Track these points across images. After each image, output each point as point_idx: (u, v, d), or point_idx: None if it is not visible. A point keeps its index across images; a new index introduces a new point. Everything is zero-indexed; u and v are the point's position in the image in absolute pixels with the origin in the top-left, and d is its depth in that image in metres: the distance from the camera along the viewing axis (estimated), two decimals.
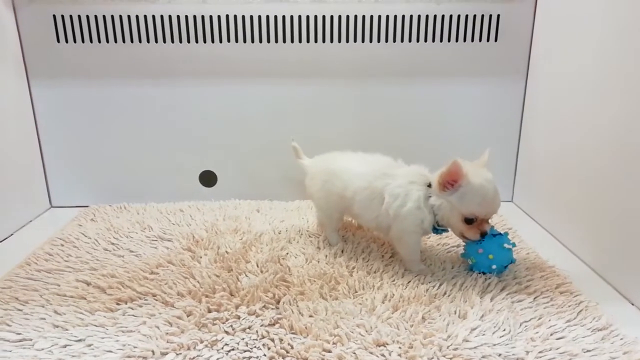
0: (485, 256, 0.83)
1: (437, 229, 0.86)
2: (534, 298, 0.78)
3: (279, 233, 1.04)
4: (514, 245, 0.85)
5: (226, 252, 0.94)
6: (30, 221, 1.14)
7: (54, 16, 1.09)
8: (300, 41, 1.14)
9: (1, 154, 1.04)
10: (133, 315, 0.74)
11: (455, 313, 0.74)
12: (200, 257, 0.92)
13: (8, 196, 1.06)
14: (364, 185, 0.88)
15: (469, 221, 0.81)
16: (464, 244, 0.88)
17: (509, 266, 0.85)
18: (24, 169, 1.14)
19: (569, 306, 0.76)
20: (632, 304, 0.79)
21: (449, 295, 0.79)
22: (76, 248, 0.97)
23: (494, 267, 0.83)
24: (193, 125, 1.20)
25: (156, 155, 1.22)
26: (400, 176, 0.86)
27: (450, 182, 0.80)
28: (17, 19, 1.09)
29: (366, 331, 0.69)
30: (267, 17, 1.11)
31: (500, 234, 0.85)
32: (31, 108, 1.15)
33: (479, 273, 0.85)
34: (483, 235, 0.82)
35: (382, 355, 0.65)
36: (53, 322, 0.72)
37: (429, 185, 0.84)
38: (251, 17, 1.11)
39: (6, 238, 1.05)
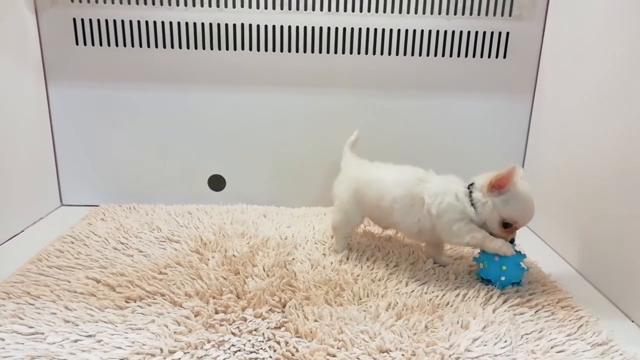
0: (499, 266, 0.85)
1: None
2: (536, 311, 0.80)
3: (285, 239, 1.06)
4: (527, 269, 0.86)
5: (233, 255, 0.96)
6: (41, 218, 1.16)
7: (74, 19, 1.12)
8: (312, 51, 1.16)
9: (16, 151, 1.07)
10: (142, 314, 0.76)
11: (457, 323, 0.75)
12: (208, 260, 0.94)
13: (21, 193, 1.08)
14: (403, 193, 0.91)
15: (505, 225, 0.85)
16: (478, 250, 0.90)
17: (514, 285, 0.87)
18: (37, 167, 1.16)
19: (570, 320, 0.77)
20: (632, 321, 0.80)
21: (451, 306, 0.81)
22: (86, 246, 0.99)
23: (503, 278, 0.85)
24: (204, 130, 1.22)
25: (166, 158, 1.24)
26: (436, 180, 0.91)
27: (500, 185, 0.84)
28: (38, 22, 1.12)
29: (370, 337, 0.71)
30: (282, 27, 1.14)
31: (519, 252, 0.86)
32: (47, 108, 1.18)
33: (482, 284, 0.86)
34: (512, 241, 0.87)
35: None
36: (64, 317, 0.74)
37: (469, 186, 0.88)
38: (265, 26, 1.14)
39: (18, 234, 1.07)
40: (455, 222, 0.87)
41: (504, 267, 0.84)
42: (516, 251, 0.86)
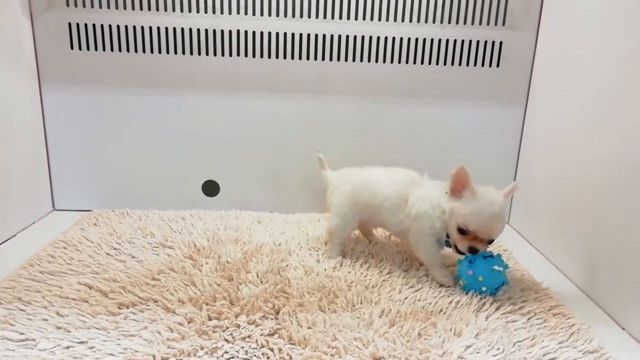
0: (475, 278, 0.85)
1: (448, 240, 0.89)
2: (528, 319, 0.80)
3: (279, 245, 1.06)
4: (506, 267, 0.86)
5: (227, 261, 0.96)
6: (33, 223, 1.15)
7: (69, 24, 1.12)
8: (307, 58, 1.17)
9: (9, 155, 1.06)
10: (134, 320, 0.75)
11: (450, 330, 0.76)
12: (202, 266, 0.94)
13: (13, 197, 1.07)
14: (393, 191, 0.94)
15: (461, 231, 0.85)
16: (458, 264, 0.90)
17: (501, 288, 0.87)
18: (30, 171, 1.16)
19: (562, 328, 0.78)
20: (623, 329, 0.81)
21: (444, 313, 0.81)
22: (78, 251, 0.98)
23: (484, 288, 0.85)
24: (198, 136, 1.22)
25: (160, 164, 1.24)
26: (426, 185, 0.93)
27: (455, 188, 0.85)
28: (33, 26, 1.11)
29: (363, 344, 0.71)
30: (277, 33, 1.15)
31: (492, 256, 0.87)
32: (41, 112, 1.17)
33: (474, 292, 0.87)
34: (472, 251, 0.85)
35: None
36: (56, 323, 0.73)
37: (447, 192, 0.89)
38: (261, 33, 1.14)
39: (9, 238, 1.06)
40: (423, 235, 0.90)
41: (480, 278, 0.84)
42: (486, 256, 0.86)
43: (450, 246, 0.90)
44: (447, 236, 0.89)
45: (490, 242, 0.87)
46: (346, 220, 1.00)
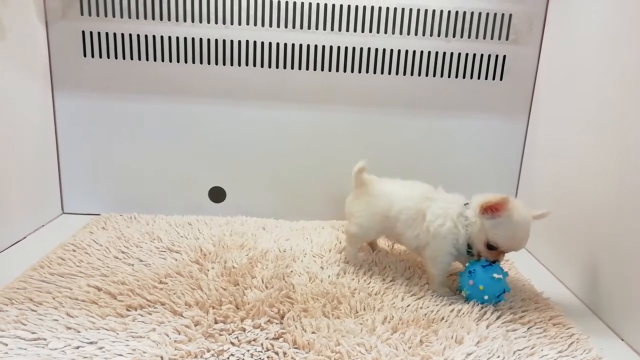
0: (476, 288, 0.87)
1: (470, 250, 0.90)
2: (528, 328, 0.82)
3: (284, 251, 1.08)
4: (505, 274, 0.87)
5: (233, 266, 0.97)
6: (43, 225, 1.17)
7: (83, 32, 1.15)
8: (315, 69, 1.19)
9: (21, 159, 1.08)
10: (143, 322, 0.77)
11: (452, 338, 0.77)
12: (208, 270, 0.95)
13: (23, 200, 1.10)
14: (410, 206, 0.95)
15: (490, 247, 0.87)
16: (458, 276, 0.92)
17: (504, 295, 0.88)
18: (41, 175, 1.18)
19: (561, 338, 0.79)
20: (622, 339, 0.82)
21: (446, 321, 0.82)
22: (87, 254, 1.00)
23: (486, 297, 0.86)
24: (206, 143, 1.25)
25: (168, 170, 1.26)
26: (441, 200, 0.93)
27: (493, 210, 0.85)
28: (48, 33, 1.14)
29: (366, 350, 0.72)
30: (285, 44, 1.17)
31: (490, 264, 0.88)
32: (53, 117, 1.20)
33: (476, 301, 0.88)
34: (494, 262, 0.88)
35: None
36: (66, 323, 0.75)
37: (466, 204, 0.90)
38: (270, 43, 1.17)
39: (20, 240, 1.08)
40: (444, 254, 0.91)
41: (482, 287, 0.86)
42: (485, 265, 0.87)
43: (472, 255, 0.91)
44: (469, 246, 0.90)
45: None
46: (363, 229, 1.01)
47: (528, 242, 0.88)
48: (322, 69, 1.20)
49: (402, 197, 0.96)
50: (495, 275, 0.86)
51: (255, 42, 1.17)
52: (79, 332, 0.73)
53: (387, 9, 1.15)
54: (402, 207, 0.95)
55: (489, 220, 0.85)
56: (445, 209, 0.91)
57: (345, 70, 1.20)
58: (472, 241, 0.89)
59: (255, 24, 1.16)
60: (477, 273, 0.87)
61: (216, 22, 1.15)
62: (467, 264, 0.91)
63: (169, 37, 1.16)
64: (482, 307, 0.86)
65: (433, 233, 0.90)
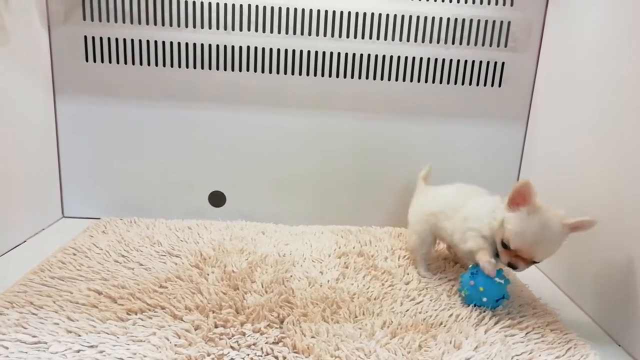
0: (476, 289, 0.87)
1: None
2: (526, 333, 0.82)
3: (284, 256, 1.08)
4: (507, 282, 0.88)
5: (232, 271, 0.98)
6: (43, 229, 1.18)
7: (85, 37, 1.16)
8: (315, 74, 1.20)
9: (22, 162, 1.09)
10: (143, 326, 0.77)
11: (450, 343, 0.78)
12: (208, 275, 0.96)
13: (24, 203, 1.10)
14: (451, 200, 0.98)
15: (504, 245, 0.84)
16: (460, 277, 0.92)
17: (502, 301, 0.89)
18: (41, 179, 1.18)
19: (559, 343, 0.80)
20: (619, 345, 0.83)
21: (444, 326, 0.83)
22: (88, 258, 1.01)
23: (484, 299, 0.87)
24: (206, 148, 1.25)
25: (168, 174, 1.27)
26: (483, 198, 0.94)
27: (517, 200, 0.82)
28: (50, 38, 1.15)
29: (365, 355, 0.73)
30: (286, 50, 1.18)
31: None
32: (54, 121, 1.21)
33: (474, 306, 0.89)
34: (511, 267, 0.85)
35: None
36: (67, 327, 0.75)
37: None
38: (270, 49, 1.18)
39: (20, 244, 1.08)
40: (470, 229, 0.90)
41: (482, 289, 0.86)
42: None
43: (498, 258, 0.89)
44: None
45: (534, 262, 0.84)
46: (421, 237, 1.03)
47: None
48: (322, 75, 1.21)
49: (446, 193, 1.01)
50: (497, 280, 0.86)
51: (256, 48, 1.18)
52: (80, 335, 0.74)
53: (387, 15, 1.16)
54: (445, 201, 0.99)
55: (510, 213, 0.83)
56: (481, 203, 0.92)
57: (345, 76, 1.21)
58: (495, 238, 0.87)
59: (256, 30, 1.17)
60: (479, 274, 0.87)
61: (217, 28, 1.16)
62: (470, 266, 0.91)
63: (171, 43, 1.17)
64: (480, 313, 0.86)
65: (464, 217, 0.92)
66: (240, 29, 1.17)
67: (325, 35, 1.18)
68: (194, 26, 1.16)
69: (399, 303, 0.90)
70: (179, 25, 1.16)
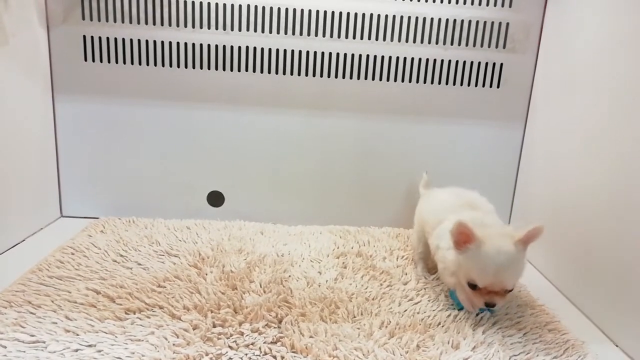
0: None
1: None
2: (524, 334, 0.82)
3: (282, 256, 1.08)
4: None
5: (231, 270, 0.98)
6: (41, 229, 1.18)
7: (84, 37, 1.16)
8: (313, 75, 1.21)
9: (20, 162, 1.09)
10: (141, 326, 0.77)
11: (448, 343, 0.78)
12: (206, 274, 0.96)
13: (22, 203, 1.10)
14: (437, 210, 0.98)
15: (472, 286, 0.79)
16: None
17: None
18: (40, 178, 1.18)
19: (557, 343, 0.80)
20: (616, 345, 0.83)
21: (443, 326, 0.83)
22: (86, 257, 1.01)
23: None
24: (205, 148, 1.25)
25: (167, 174, 1.26)
26: (466, 212, 0.89)
27: (460, 241, 0.78)
28: (49, 38, 1.15)
29: (363, 354, 0.73)
30: (285, 50, 1.18)
31: None
32: (53, 120, 1.21)
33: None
34: (489, 306, 0.78)
35: None
36: (65, 326, 0.75)
37: None
38: (269, 49, 1.18)
39: (18, 243, 1.08)
40: (440, 250, 0.89)
41: None
42: None
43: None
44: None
45: (508, 291, 0.79)
46: (418, 235, 1.05)
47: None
48: (322, 75, 1.21)
49: (437, 200, 1.02)
50: None
51: (255, 48, 1.18)
52: (78, 335, 0.74)
53: (387, 16, 1.17)
54: (431, 209, 1.00)
55: (462, 254, 0.79)
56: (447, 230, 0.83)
57: (344, 77, 1.21)
58: (460, 283, 0.82)
59: (255, 30, 1.17)
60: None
61: (216, 28, 1.16)
62: None
63: (170, 43, 1.17)
64: (478, 313, 0.87)
65: (436, 235, 0.92)
66: (240, 29, 1.17)
67: (324, 35, 1.18)
68: (193, 26, 1.16)
69: (397, 303, 0.90)
70: (178, 25, 1.16)
